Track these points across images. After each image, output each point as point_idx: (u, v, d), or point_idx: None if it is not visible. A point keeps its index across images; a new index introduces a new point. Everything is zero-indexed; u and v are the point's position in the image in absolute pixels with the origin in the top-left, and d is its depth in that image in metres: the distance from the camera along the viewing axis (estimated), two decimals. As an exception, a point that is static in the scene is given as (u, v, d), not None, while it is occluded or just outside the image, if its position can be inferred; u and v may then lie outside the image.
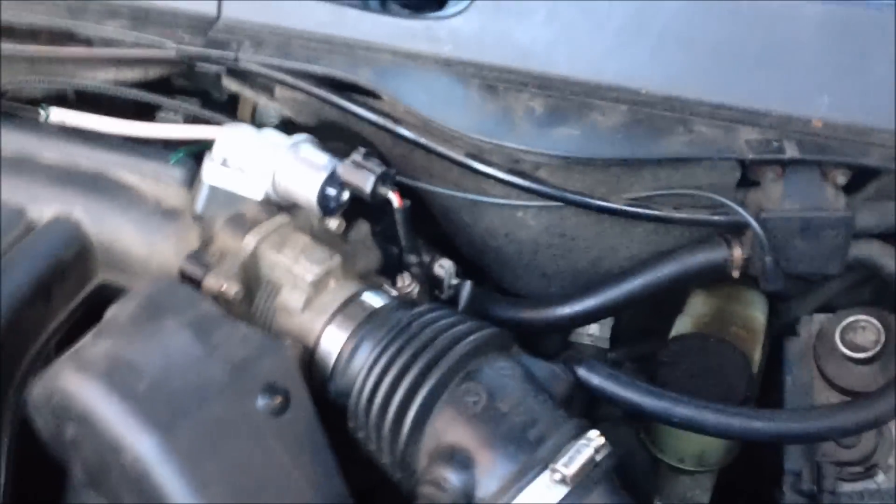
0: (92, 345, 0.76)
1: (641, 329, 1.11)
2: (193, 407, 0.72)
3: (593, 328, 1.10)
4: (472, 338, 0.77)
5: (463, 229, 0.99)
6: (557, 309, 0.96)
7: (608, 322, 1.09)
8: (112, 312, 0.79)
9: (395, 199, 0.85)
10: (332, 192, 0.86)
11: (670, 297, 1.06)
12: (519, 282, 1.02)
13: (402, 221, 0.87)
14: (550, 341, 1.09)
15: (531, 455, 0.70)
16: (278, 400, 0.75)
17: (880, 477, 0.91)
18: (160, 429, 0.71)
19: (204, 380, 0.74)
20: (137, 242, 0.88)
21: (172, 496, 0.70)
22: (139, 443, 0.70)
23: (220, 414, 0.73)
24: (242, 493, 0.72)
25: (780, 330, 1.02)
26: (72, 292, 0.88)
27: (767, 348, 1.02)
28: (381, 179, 0.85)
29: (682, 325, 1.02)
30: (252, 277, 0.84)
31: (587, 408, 0.99)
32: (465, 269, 0.95)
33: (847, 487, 0.92)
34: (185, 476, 0.70)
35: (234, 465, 0.72)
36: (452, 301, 0.91)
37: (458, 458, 0.71)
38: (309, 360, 0.82)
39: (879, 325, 0.90)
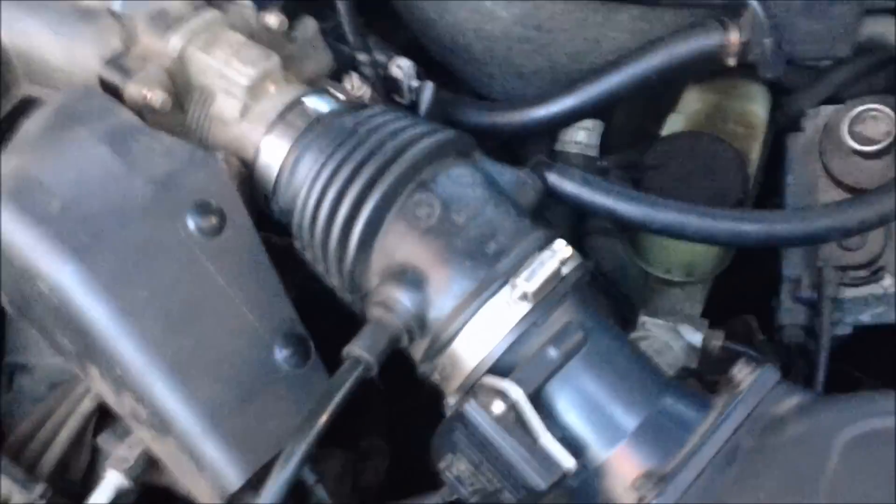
0: (2, 163, 0.68)
1: (634, 134, 1.02)
2: (114, 228, 0.65)
3: (581, 135, 0.99)
4: (424, 142, 0.68)
5: (427, 27, 0.87)
6: (532, 111, 0.86)
7: (598, 128, 0.99)
8: (24, 127, 0.70)
9: None
10: (267, -22, 0.75)
11: (666, 96, 0.95)
12: (492, 84, 0.92)
13: (348, 11, 0.76)
14: (534, 151, 1.00)
15: (490, 270, 0.63)
16: (212, 219, 0.68)
17: (887, 280, 0.82)
18: (77, 254, 0.64)
19: (125, 198, 0.66)
20: (55, 49, 0.78)
21: (97, 325, 0.64)
22: (55, 270, 0.64)
23: (146, 235, 0.66)
24: (176, 318, 0.65)
25: (784, 125, 0.91)
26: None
27: (769, 146, 0.92)
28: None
29: (673, 123, 0.92)
30: (181, 84, 0.74)
31: (575, 218, 0.92)
32: (435, 73, 0.84)
33: (850, 293, 0.84)
34: (109, 303, 0.64)
35: (163, 290, 0.65)
36: (413, 106, 0.82)
37: (410, 277, 0.64)
38: (248, 175, 0.73)
39: (893, 115, 0.79)
